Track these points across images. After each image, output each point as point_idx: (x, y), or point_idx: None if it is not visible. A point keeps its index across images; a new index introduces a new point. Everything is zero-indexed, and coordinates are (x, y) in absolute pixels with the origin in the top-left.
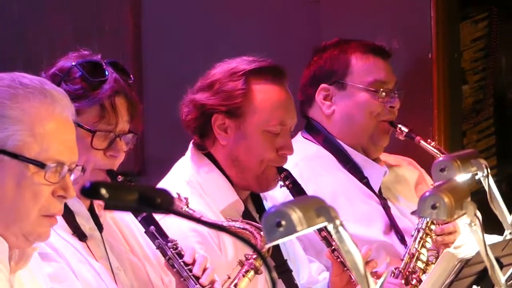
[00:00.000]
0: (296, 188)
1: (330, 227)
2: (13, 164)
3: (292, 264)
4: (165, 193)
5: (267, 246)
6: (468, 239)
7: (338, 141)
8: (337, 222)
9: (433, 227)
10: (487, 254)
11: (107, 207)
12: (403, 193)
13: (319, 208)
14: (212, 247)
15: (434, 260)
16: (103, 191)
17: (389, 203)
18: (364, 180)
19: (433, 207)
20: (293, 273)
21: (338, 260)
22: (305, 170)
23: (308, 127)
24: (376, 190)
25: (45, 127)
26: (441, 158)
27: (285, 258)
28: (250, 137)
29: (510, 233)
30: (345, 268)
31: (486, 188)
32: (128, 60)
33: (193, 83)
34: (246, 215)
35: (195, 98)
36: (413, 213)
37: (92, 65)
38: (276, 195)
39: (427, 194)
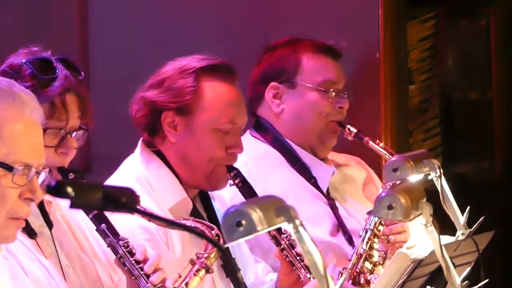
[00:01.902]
0: (245, 187)
1: (290, 227)
2: None
3: (239, 263)
4: (130, 192)
5: (226, 245)
6: (421, 239)
7: (287, 140)
8: (297, 222)
9: (381, 227)
10: (442, 255)
11: (73, 205)
12: (351, 193)
13: (279, 208)
14: (160, 244)
15: (382, 260)
16: (69, 190)
17: (337, 203)
18: (312, 180)
19: (389, 207)
20: (240, 272)
21: (287, 259)
22: (254, 169)
23: (256, 125)
24: (324, 190)
25: (14, 129)
26: (393, 158)
27: (233, 257)
28: (199, 134)
29: (462, 234)
30: (294, 268)
31: (439, 188)
32: (75, 56)
33: (141, 79)
34: (195, 214)
35: (145, 95)
36: (369, 213)
37: (42, 62)
38: (224, 195)
39: (383, 194)
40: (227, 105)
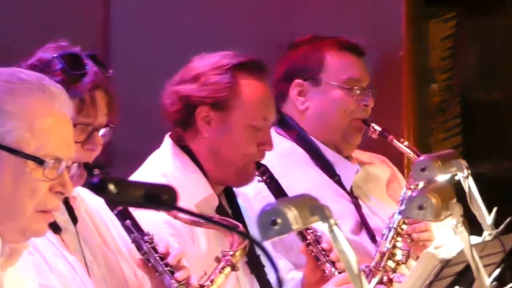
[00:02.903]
0: (273, 183)
1: (325, 226)
2: (11, 160)
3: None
4: (170, 189)
5: (264, 242)
6: (448, 239)
7: (311, 137)
8: (331, 221)
9: (404, 226)
10: (472, 256)
11: (115, 202)
12: (374, 191)
13: (314, 207)
14: (185, 240)
15: (405, 259)
16: (111, 187)
17: (360, 202)
18: (335, 177)
19: (420, 207)
20: (265, 268)
21: (312, 254)
22: (278, 166)
23: (281, 122)
24: (348, 188)
25: (44, 123)
26: (422, 158)
27: (257, 254)
28: (234, 130)
29: (489, 234)
30: (319, 263)
31: (466, 188)
32: (97, 50)
33: (162, 75)
34: (220, 210)
35: (179, 90)
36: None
37: (72, 57)
38: (247, 191)
39: (414, 194)
40: (262, 102)
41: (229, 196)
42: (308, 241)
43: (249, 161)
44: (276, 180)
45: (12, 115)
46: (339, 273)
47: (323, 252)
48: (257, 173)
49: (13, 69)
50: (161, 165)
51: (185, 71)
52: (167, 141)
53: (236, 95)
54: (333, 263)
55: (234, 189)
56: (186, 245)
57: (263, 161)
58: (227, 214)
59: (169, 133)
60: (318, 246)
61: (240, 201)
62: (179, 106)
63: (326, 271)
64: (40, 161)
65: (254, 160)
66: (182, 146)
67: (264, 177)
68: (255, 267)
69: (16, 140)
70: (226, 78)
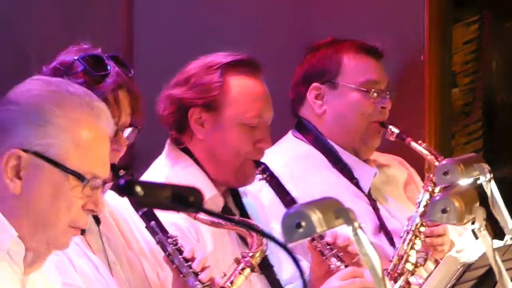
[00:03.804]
0: (274, 181)
1: (349, 229)
2: (52, 172)
3: (274, 259)
4: (196, 191)
5: (291, 244)
6: (470, 243)
7: (329, 140)
8: (356, 224)
9: (422, 229)
10: (495, 260)
11: (142, 204)
12: (393, 194)
13: (338, 210)
14: (190, 241)
15: (423, 262)
16: (138, 189)
17: (378, 204)
18: (354, 180)
19: (444, 211)
20: (274, 268)
21: (317, 249)
22: (295, 169)
23: (298, 126)
24: (366, 191)
25: (88, 140)
26: (444, 162)
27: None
28: (227, 129)
29: (511, 238)
30: (324, 258)
31: (488, 192)
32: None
33: None
34: (226, 210)
35: (171, 93)
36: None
37: (94, 59)
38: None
39: (437, 198)
40: (253, 100)
41: (234, 195)
42: (312, 237)
43: (246, 160)
44: (277, 178)
45: (59, 128)
46: (345, 266)
47: (328, 247)
48: (257, 171)
49: (60, 80)
50: (164, 168)
51: (179, 75)
52: (168, 145)
53: (225, 94)
54: (338, 257)
55: (242, 188)
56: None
57: (279, 165)
58: (233, 214)
59: (170, 137)
60: (322, 241)
61: (248, 200)
62: (172, 109)
63: (332, 266)
64: (81, 178)
65: (252, 159)
66: (182, 148)
67: (265, 175)
68: (265, 267)
69: (60, 153)
70: (215, 78)
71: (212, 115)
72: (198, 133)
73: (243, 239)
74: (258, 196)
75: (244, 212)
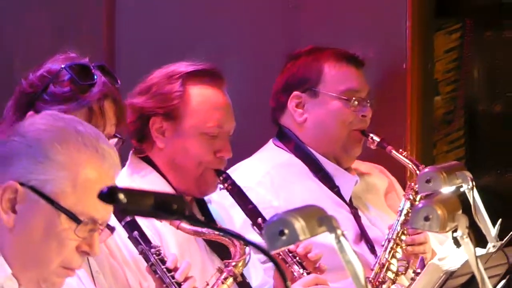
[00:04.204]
0: (235, 190)
1: (332, 237)
2: (46, 209)
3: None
4: (180, 199)
5: (274, 252)
6: (452, 251)
7: (310, 149)
8: (339, 232)
9: (403, 237)
10: (478, 267)
11: (125, 212)
12: (373, 202)
13: (321, 218)
14: None
15: (404, 270)
16: (121, 196)
17: (359, 212)
18: (335, 189)
19: (426, 218)
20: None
21: (280, 257)
22: (276, 178)
23: (279, 134)
24: (347, 199)
25: (88, 180)
26: (427, 169)
27: None
28: (187, 139)
29: (493, 246)
30: (287, 265)
31: (471, 200)
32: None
33: None
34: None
35: (133, 102)
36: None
37: (81, 68)
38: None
39: (420, 205)
40: (214, 109)
41: (199, 203)
42: None
43: (206, 169)
44: (239, 187)
45: (59, 165)
46: (308, 273)
47: (290, 254)
48: (219, 181)
49: (72, 118)
50: (124, 178)
51: (141, 84)
52: (130, 155)
53: (186, 103)
54: (300, 264)
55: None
56: None
57: (260, 174)
58: None
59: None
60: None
61: (213, 207)
62: (133, 118)
63: (295, 273)
64: (75, 219)
65: (213, 168)
66: (144, 157)
67: (226, 185)
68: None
69: (56, 191)
70: (176, 87)
71: (173, 124)
72: (159, 142)
73: (212, 247)
74: (222, 203)
75: (211, 220)
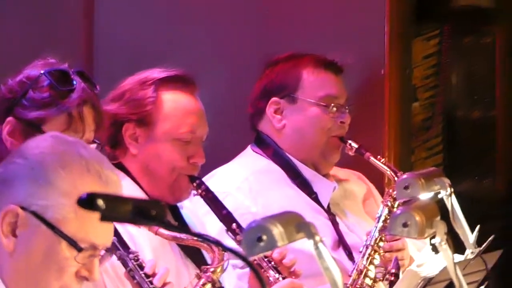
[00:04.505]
0: (209, 196)
1: (310, 243)
2: (47, 235)
3: None
4: (159, 204)
5: (251, 258)
6: (430, 257)
7: (288, 155)
8: (317, 238)
9: (381, 243)
10: (456, 274)
11: (104, 218)
12: (351, 208)
13: (299, 224)
14: None
15: (382, 276)
16: (100, 202)
17: (337, 219)
18: (313, 195)
19: (404, 225)
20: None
21: (255, 262)
22: (255, 184)
23: (257, 140)
24: (325, 206)
25: None
26: (405, 176)
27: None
28: (160, 145)
29: (471, 252)
30: (262, 270)
31: (449, 207)
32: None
33: None
34: None
35: (106, 109)
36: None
37: (60, 73)
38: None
39: (398, 212)
40: (186, 115)
41: (172, 209)
42: None
43: (180, 175)
44: (213, 193)
45: (61, 191)
46: (283, 278)
47: (265, 259)
48: (192, 187)
49: (76, 141)
50: None
51: (115, 90)
52: None
53: (159, 109)
54: (276, 269)
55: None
56: None
57: (239, 180)
58: None
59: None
60: None
61: (185, 213)
62: (106, 125)
63: (271, 278)
64: (76, 246)
65: (186, 174)
66: (117, 164)
67: (200, 190)
68: None
69: (57, 217)
70: (148, 93)
71: (146, 130)
72: (132, 148)
73: (186, 252)
74: (195, 210)
75: (184, 225)
